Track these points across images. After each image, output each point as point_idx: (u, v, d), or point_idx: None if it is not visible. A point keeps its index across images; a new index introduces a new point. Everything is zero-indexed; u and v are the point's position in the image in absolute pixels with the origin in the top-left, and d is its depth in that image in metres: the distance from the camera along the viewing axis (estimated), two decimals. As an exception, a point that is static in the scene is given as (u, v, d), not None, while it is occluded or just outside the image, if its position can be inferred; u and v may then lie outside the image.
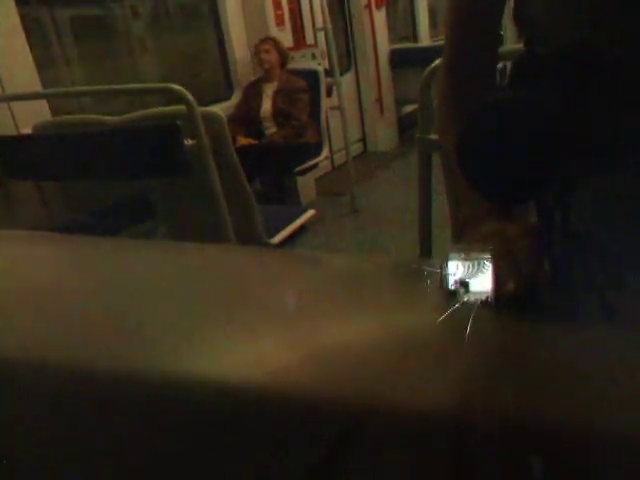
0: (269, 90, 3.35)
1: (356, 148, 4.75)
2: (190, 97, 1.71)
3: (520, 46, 0.73)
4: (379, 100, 4.91)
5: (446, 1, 0.73)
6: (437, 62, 1.54)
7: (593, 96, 0.52)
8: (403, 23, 5.71)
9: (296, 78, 3.32)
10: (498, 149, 0.49)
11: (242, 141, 3.20)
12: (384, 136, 5.04)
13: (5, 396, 0.38)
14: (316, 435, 0.36)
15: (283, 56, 3.37)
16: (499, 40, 0.73)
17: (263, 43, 3.33)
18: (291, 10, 3.89)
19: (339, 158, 4.36)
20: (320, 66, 3.58)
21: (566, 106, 0.49)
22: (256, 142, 3.25)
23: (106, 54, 3.18)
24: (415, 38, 5.65)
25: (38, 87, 2.37)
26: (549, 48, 0.61)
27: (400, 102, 5.09)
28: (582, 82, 0.51)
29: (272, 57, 3.32)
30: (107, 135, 1.94)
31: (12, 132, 2.21)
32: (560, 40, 0.60)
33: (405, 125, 5.14)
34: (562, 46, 0.56)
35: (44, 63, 2.56)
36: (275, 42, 3.34)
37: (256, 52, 3.36)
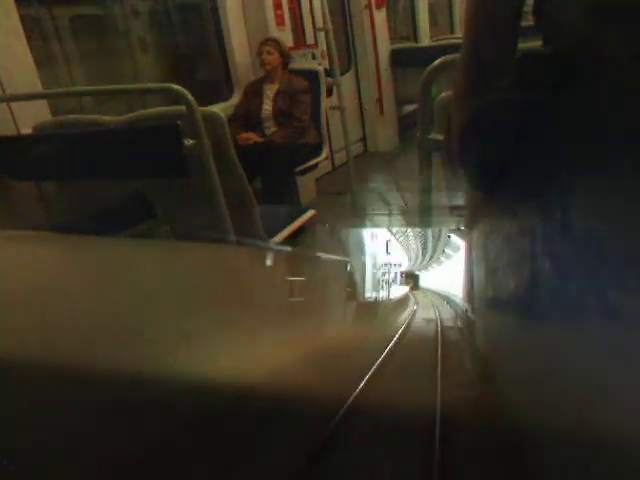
0: (270, 91, 3.35)
1: (356, 148, 4.75)
2: (190, 97, 1.71)
3: (521, 46, 0.73)
4: (379, 100, 4.91)
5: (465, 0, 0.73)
6: (437, 62, 1.54)
7: (594, 97, 0.52)
8: (403, 23, 5.71)
9: (298, 79, 3.32)
10: (496, 149, 0.49)
11: (244, 136, 3.19)
12: (384, 136, 5.04)
13: (5, 395, 0.38)
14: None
15: (285, 57, 3.37)
16: (517, 37, 0.72)
17: (265, 44, 3.32)
18: (291, 10, 3.89)
19: (339, 158, 4.36)
20: (320, 66, 3.58)
21: (565, 107, 0.49)
22: (258, 138, 3.24)
23: (106, 54, 3.18)
24: (415, 38, 5.65)
25: (38, 87, 2.37)
26: (554, 48, 0.61)
27: (400, 102, 5.09)
28: (583, 83, 0.51)
29: (274, 58, 3.31)
30: (107, 135, 1.94)
31: (12, 132, 2.21)
32: (565, 40, 0.60)
33: (405, 125, 5.14)
34: (564, 46, 0.56)
35: (44, 63, 2.56)
36: (277, 43, 3.34)
37: (258, 53, 3.35)
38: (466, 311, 4.10)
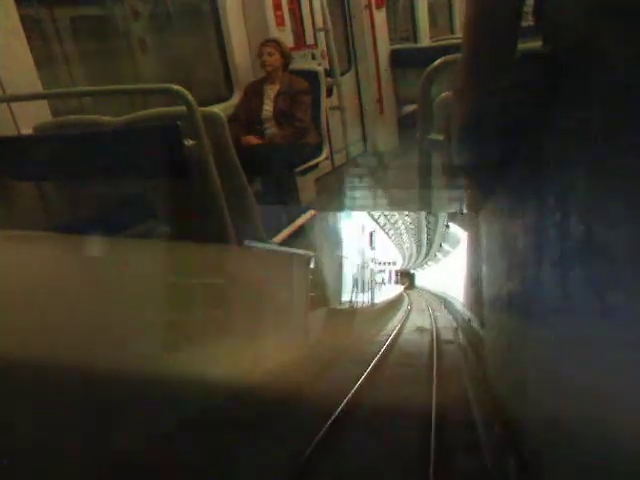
0: (270, 91, 3.34)
1: (356, 148, 4.75)
2: (190, 97, 1.72)
3: (521, 47, 0.73)
4: (379, 100, 4.91)
5: (465, 1, 0.73)
6: (437, 62, 1.54)
7: (594, 96, 0.52)
8: (403, 23, 5.71)
9: (298, 79, 3.31)
10: (495, 148, 0.49)
11: (248, 139, 3.20)
12: (384, 136, 5.03)
13: (5, 394, 0.38)
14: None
15: (286, 58, 3.36)
16: (517, 38, 0.72)
17: (266, 45, 3.32)
18: (291, 10, 3.88)
19: (339, 158, 4.36)
20: (320, 66, 3.58)
21: (564, 107, 0.49)
22: (258, 140, 3.24)
23: (107, 54, 3.18)
24: (415, 38, 5.65)
25: (38, 87, 2.37)
26: (553, 48, 0.61)
27: (400, 102, 5.10)
28: (582, 82, 0.51)
29: (275, 59, 3.31)
30: (107, 136, 1.95)
31: (12, 133, 2.21)
32: (564, 40, 0.60)
33: (405, 125, 5.14)
34: (563, 46, 0.56)
35: (44, 63, 2.56)
36: (278, 44, 3.33)
37: (259, 54, 3.35)
38: (469, 321, 3.69)
